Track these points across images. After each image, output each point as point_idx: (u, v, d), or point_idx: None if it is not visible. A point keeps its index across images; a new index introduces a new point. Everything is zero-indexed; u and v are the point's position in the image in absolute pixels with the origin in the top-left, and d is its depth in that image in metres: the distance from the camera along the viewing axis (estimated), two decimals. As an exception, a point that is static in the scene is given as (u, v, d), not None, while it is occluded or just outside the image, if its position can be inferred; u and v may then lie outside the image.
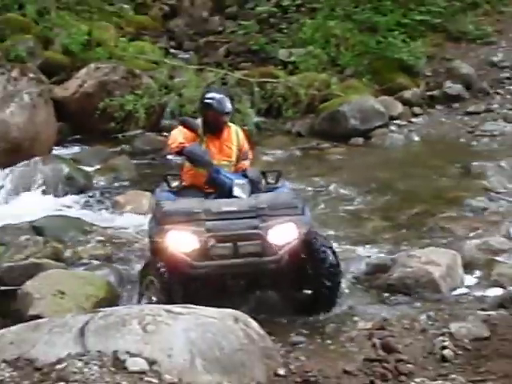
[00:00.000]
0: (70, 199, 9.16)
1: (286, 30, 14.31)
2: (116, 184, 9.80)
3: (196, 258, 5.22)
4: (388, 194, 8.99)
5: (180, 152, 5.83)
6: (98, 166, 10.34)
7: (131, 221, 8.25)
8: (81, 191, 9.39)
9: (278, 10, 14.82)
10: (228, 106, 5.88)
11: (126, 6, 15.55)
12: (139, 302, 5.68)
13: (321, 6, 13.99)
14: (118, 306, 5.55)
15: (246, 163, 6.12)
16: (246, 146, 6.18)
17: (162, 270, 5.32)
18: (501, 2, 14.44)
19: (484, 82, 12.69)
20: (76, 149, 11.19)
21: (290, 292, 5.78)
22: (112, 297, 6.08)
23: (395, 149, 11.08)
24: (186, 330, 4.36)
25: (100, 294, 5.99)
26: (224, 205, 5.44)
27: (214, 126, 5.93)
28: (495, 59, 13.20)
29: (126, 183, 9.82)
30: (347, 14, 13.51)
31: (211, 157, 5.81)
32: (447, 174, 9.53)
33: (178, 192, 5.93)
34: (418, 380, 4.47)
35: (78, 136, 11.62)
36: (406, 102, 12.35)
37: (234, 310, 4.77)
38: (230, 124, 6.13)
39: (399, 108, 12.17)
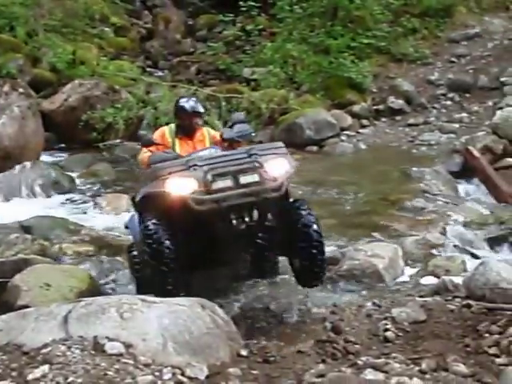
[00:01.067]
0: (56, 201, 9.08)
1: (249, 52, 14.32)
2: (97, 187, 9.74)
3: (199, 194, 4.84)
4: (338, 195, 9.04)
5: (149, 165, 5.47)
6: (81, 172, 10.26)
7: (111, 220, 8.22)
8: (66, 194, 9.32)
9: (242, 33, 14.83)
10: (199, 107, 5.76)
11: (106, 28, 15.39)
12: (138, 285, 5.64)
13: (280, 30, 14.05)
14: (98, 296, 5.50)
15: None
16: (217, 137, 5.83)
17: (153, 224, 4.97)
18: (437, 28, 14.61)
19: (422, 98, 12.82)
20: (61, 156, 11.09)
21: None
22: (93, 288, 6.03)
23: (345, 156, 11.16)
24: (159, 317, 4.36)
25: (82, 286, 5.95)
26: (215, 153, 5.21)
27: (187, 128, 5.72)
28: (432, 78, 13.35)
29: (107, 187, 9.76)
30: (303, 37, 13.58)
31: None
32: (390, 178, 9.61)
33: None
34: (363, 358, 4.49)
35: (63, 145, 11.54)
36: (354, 115, 12.43)
37: (201, 299, 4.78)
38: (203, 127, 5.93)
39: (349, 120, 12.25)
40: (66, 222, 7.87)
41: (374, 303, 5.51)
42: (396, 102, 12.69)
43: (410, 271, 6.55)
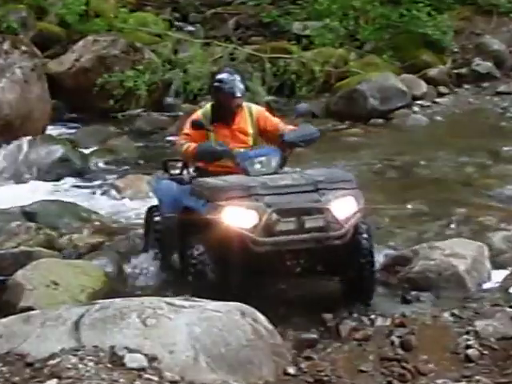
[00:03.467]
0: (64, 183, 9.21)
1: (300, 2, 14.25)
2: (115, 167, 9.83)
3: (259, 234, 5.15)
4: (409, 179, 8.98)
5: (196, 158, 5.85)
6: (96, 148, 10.37)
7: (131, 207, 8.28)
8: (77, 174, 9.43)
9: (292, -21, 14.76)
10: (240, 88, 5.80)
11: (126, -27, 15.53)
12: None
13: (339, -26, 13.93)
14: (115, 298, 5.56)
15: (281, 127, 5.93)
16: (269, 121, 5.99)
17: (200, 252, 5.32)
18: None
19: (517, 60, 12.64)
20: (72, 129, 11.23)
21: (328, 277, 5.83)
22: (110, 288, 6.07)
23: (418, 131, 11.09)
24: (189, 325, 4.38)
25: (96, 286, 5.99)
26: (279, 179, 5.44)
27: (225, 111, 5.85)
28: (529, 34, 13.15)
29: (126, 166, 9.85)
30: (368, -17, 13.46)
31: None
32: (475, 158, 9.52)
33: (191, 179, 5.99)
34: (439, 381, 4.48)
35: (74, 115, 11.70)
36: (430, 81, 12.37)
37: (240, 304, 4.78)
38: (244, 104, 6.00)
39: (423, 87, 12.17)
40: (76, 209, 7.92)
41: (452, 314, 5.45)
42: (483, 65, 12.57)
43: (498, 275, 6.45)
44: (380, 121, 11.40)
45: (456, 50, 13.05)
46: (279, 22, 14.13)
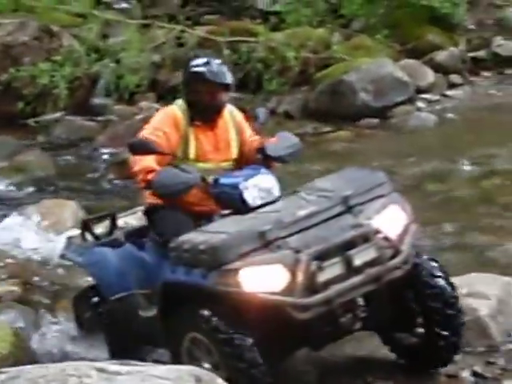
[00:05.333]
0: (-41, 212, 9.14)
1: (267, -32, 14.37)
2: (27, 189, 9.82)
3: (300, 295, 4.73)
4: (416, 197, 8.99)
5: (148, 187, 5.40)
6: (1, 165, 10.33)
7: (49, 242, 8.21)
8: (-25, 201, 9.39)
9: None
10: (228, 74, 5.59)
11: None
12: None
13: None
14: (28, 364, 5.52)
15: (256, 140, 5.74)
16: (248, 132, 5.82)
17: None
18: None
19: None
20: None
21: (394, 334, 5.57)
22: (20, 351, 6.05)
23: (424, 133, 11.16)
24: (127, 398, 4.36)
25: (4, 348, 5.96)
26: (294, 208, 5.06)
27: (207, 108, 5.58)
28: None
29: (42, 188, 9.86)
30: None
31: (204, 155, 5.55)
32: (500, 169, 9.62)
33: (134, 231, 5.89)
34: None
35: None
36: (439, 68, 12.49)
37: (194, 367, 4.77)
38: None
39: (430, 76, 12.30)
40: (-24, 246, 7.91)
41: (474, 373, 5.50)
42: (506, 46, 12.72)
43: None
44: (374, 121, 11.49)
45: (471, 26, 13.20)
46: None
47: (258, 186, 5.25)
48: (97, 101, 12.10)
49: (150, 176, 5.29)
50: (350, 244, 4.87)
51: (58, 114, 11.69)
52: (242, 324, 4.82)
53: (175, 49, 12.33)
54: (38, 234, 8.45)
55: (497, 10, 13.35)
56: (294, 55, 11.97)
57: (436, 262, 5.36)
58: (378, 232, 4.95)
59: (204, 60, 5.63)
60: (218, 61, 5.67)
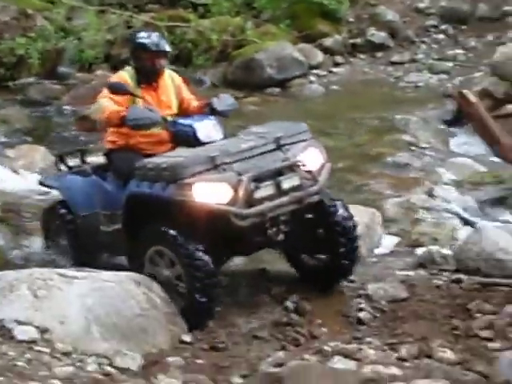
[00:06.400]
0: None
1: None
2: (6, 138, 9.58)
3: (240, 206, 4.71)
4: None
5: (121, 123, 5.18)
6: (-15, 118, 10.07)
7: (24, 178, 8.09)
8: (-37, 146, 9.15)
9: None
10: (165, 44, 5.47)
11: None
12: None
13: None
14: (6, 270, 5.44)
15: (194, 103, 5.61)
16: (186, 92, 5.65)
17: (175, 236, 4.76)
18: None
19: (409, 30, 12.94)
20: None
21: (301, 256, 5.50)
22: (1, 261, 5.96)
23: (314, 100, 11.20)
24: (81, 296, 4.35)
25: (-13, 259, 5.90)
26: (238, 143, 5.04)
27: (149, 72, 5.41)
28: (421, 5, 13.46)
29: (19, 136, 9.63)
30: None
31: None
32: (369, 127, 9.69)
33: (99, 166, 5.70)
34: (332, 344, 4.55)
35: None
36: (326, 51, 12.50)
37: (134, 273, 4.76)
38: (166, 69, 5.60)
39: (319, 57, 12.29)
40: (-37, 181, 7.72)
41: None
42: (377, 35, 12.76)
43: (389, 240, 6.63)
44: (277, 90, 11.48)
45: (351, 19, 13.21)
46: (176, -11, 13.97)
47: (208, 127, 5.20)
48: (63, 69, 11.85)
49: (122, 114, 5.12)
50: (280, 172, 4.90)
51: (31, 79, 11.43)
52: (194, 232, 4.76)
53: (125, 30, 12.09)
54: (14, 172, 8.30)
55: (371, 8, 13.37)
56: (217, 38, 11.89)
57: (346, 206, 5.34)
58: (301, 165, 4.96)
59: (145, 33, 5.57)
60: (156, 33, 5.59)
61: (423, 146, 9.06)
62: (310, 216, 5.22)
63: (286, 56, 11.76)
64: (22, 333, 4.08)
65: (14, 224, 6.77)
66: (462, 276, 5.31)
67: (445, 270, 5.54)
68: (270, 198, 4.83)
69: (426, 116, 9.80)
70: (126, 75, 5.46)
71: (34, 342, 4.05)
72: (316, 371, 3.95)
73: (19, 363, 3.87)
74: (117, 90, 5.22)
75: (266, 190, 4.83)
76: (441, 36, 12.81)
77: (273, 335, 4.81)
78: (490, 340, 4.57)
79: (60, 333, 4.13)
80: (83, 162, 5.97)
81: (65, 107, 10.78)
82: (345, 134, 9.47)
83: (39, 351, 4.00)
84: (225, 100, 5.54)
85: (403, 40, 12.78)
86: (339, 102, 11.09)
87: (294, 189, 4.92)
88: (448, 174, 8.20)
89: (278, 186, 4.87)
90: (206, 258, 4.74)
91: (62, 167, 5.92)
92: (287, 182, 4.90)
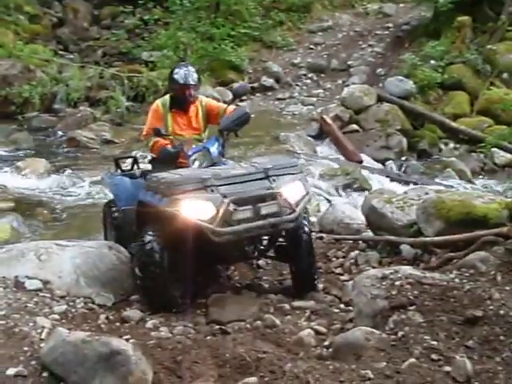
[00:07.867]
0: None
1: (147, 38, 13.90)
2: (17, 153, 9.28)
3: (218, 224, 3.85)
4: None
5: (157, 156, 4.67)
6: (2, 140, 9.74)
7: (30, 181, 7.87)
8: (-12, 160, 8.79)
9: (141, 22, 14.42)
10: (192, 77, 4.62)
11: (21, 16, 14.37)
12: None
13: (172, 20, 13.66)
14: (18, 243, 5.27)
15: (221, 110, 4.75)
16: (214, 104, 4.85)
17: (152, 241, 4.00)
18: (299, 21, 14.86)
19: (288, 77, 12.99)
20: (-17, 128, 10.39)
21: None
22: (14, 237, 5.83)
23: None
24: (72, 257, 4.27)
25: (4, 236, 5.78)
26: (231, 169, 4.21)
27: (180, 100, 4.65)
28: (295, 61, 13.55)
29: (26, 152, 9.31)
30: (192, 26, 13.29)
31: (179, 130, 4.69)
32: (264, 141, 9.72)
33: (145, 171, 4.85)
34: (241, 282, 4.56)
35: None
36: (235, 92, 12.43)
37: (108, 242, 4.70)
38: (199, 96, 4.80)
39: (230, 95, 12.13)
40: (-13, 183, 7.41)
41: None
42: (267, 81, 12.81)
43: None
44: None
45: (250, 71, 13.21)
46: (133, 52, 13.69)
47: (197, 158, 4.50)
48: (56, 106, 11.41)
49: (158, 147, 4.62)
50: (261, 199, 4.01)
51: (34, 113, 10.97)
52: (181, 240, 3.93)
53: (98, 79, 11.81)
54: (23, 176, 8.06)
55: (263, 63, 13.41)
56: (161, 83, 11.61)
57: (309, 223, 4.47)
58: (282, 196, 4.04)
59: (178, 68, 4.73)
60: (188, 68, 4.71)
61: (299, 152, 9.18)
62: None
63: (208, 95, 11.61)
64: (31, 284, 3.98)
65: (23, 212, 6.58)
66: (323, 235, 5.41)
67: (312, 231, 5.59)
68: (247, 220, 3.93)
69: (300, 133, 9.93)
70: (159, 102, 4.79)
71: (39, 290, 3.97)
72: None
73: (29, 305, 3.79)
74: (157, 132, 4.54)
75: (245, 213, 3.93)
76: (308, 81, 12.97)
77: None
78: (341, 275, 4.72)
79: (57, 283, 4.06)
80: (135, 166, 5.20)
81: (59, 132, 10.47)
82: (248, 145, 9.47)
83: (43, 296, 3.92)
84: (234, 114, 4.64)
85: (284, 84, 12.88)
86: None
87: (272, 215, 3.99)
88: (315, 169, 8.35)
89: (256, 211, 3.95)
90: (157, 248, 3.97)
91: (117, 169, 5.13)
92: (266, 208, 3.98)
